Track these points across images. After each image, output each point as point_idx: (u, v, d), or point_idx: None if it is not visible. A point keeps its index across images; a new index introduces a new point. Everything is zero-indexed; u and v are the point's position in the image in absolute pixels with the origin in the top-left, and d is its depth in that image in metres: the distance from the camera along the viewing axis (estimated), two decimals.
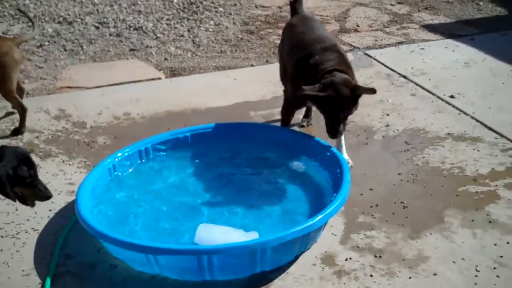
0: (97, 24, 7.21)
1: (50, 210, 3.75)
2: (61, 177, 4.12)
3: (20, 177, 3.05)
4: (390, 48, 6.62)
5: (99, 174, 3.70)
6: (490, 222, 3.59)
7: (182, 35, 7.00)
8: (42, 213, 3.71)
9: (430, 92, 5.40)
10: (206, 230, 3.24)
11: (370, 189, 3.94)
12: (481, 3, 7.87)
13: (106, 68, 6.13)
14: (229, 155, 4.18)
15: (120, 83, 5.69)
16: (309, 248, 3.34)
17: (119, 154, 3.83)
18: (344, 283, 3.10)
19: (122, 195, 3.77)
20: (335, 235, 3.49)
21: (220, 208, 3.68)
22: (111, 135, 4.70)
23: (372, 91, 3.77)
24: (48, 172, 4.18)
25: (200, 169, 4.06)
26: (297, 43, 4.18)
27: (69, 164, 4.29)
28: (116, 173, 3.86)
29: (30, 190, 3.16)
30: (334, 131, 3.80)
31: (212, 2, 8.02)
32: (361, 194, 3.88)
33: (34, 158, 4.26)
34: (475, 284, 3.08)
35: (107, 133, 4.73)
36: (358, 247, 3.39)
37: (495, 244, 3.40)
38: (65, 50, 6.56)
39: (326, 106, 3.77)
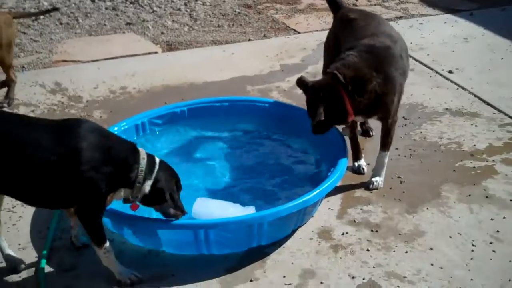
0: None
1: None
2: None
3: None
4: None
5: None
6: (487, 197, 3.59)
7: (179, 9, 6.92)
8: None
9: (429, 67, 5.37)
10: (203, 204, 3.23)
11: (368, 164, 3.93)
12: None
13: (102, 42, 6.07)
14: (226, 130, 4.16)
15: (116, 57, 5.64)
16: (305, 223, 3.34)
17: (116, 129, 3.79)
18: (341, 257, 3.11)
19: None
20: (332, 209, 3.49)
21: (218, 183, 3.67)
22: (107, 109, 4.67)
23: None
24: None
25: (196, 144, 4.05)
26: (347, 35, 3.73)
27: None
28: None
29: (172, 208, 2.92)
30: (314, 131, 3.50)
31: None
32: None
33: None
34: (471, 258, 3.09)
35: (103, 107, 4.70)
36: (354, 221, 3.39)
37: (492, 219, 3.40)
38: (61, 23, 6.49)
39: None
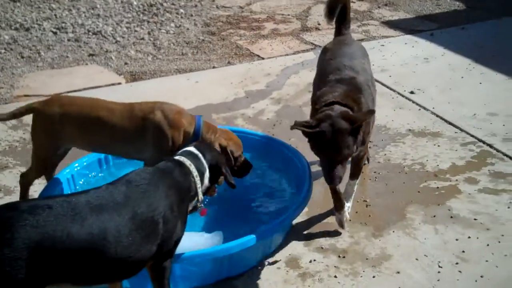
0: (55, 30, 7.08)
1: None
2: (19, 190, 4.00)
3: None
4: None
5: (56, 187, 3.60)
6: (451, 217, 3.63)
7: (142, 38, 6.92)
8: None
9: (391, 89, 5.45)
10: None
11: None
12: None
13: (64, 74, 6.01)
14: None
15: (79, 90, 5.59)
16: (272, 251, 3.33)
17: (76, 165, 3.74)
18: (309, 286, 3.09)
19: None
20: (299, 236, 3.49)
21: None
22: None
23: (371, 112, 3.26)
24: (5, 184, 4.07)
25: None
26: (321, 72, 3.69)
27: None
28: (75, 184, 3.77)
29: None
30: (331, 175, 3.09)
31: (173, 4, 7.95)
32: (324, 194, 3.87)
33: None
34: (438, 280, 3.10)
35: None
36: (322, 248, 3.39)
37: (457, 239, 3.43)
38: (22, 57, 6.42)
39: (321, 144, 3.09)
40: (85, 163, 3.87)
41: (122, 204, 2.43)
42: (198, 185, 2.78)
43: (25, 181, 3.64)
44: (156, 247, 2.52)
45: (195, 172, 2.78)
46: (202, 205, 2.88)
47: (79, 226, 2.27)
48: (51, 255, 2.19)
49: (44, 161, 3.54)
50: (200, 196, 2.81)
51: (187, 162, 2.79)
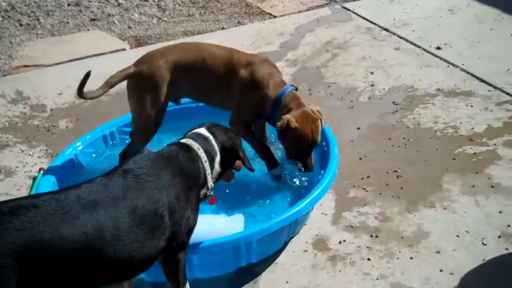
0: None
1: None
2: (20, 170, 3.73)
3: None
4: None
5: (59, 167, 3.30)
6: (492, 186, 3.30)
7: (146, 0, 6.52)
8: None
9: (415, 45, 5.05)
10: None
11: (360, 159, 3.62)
12: None
13: (65, 42, 5.66)
14: None
15: (82, 58, 5.25)
16: (298, 233, 3.03)
17: (78, 144, 3.44)
18: (340, 270, 2.79)
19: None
20: (326, 214, 3.18)
21: None
22: (73, 117, 4.30)
23: None
24: (6, 165, 3.78)
25: None
26: None
27: (29, 154, 3.89)
28: (79, 162, 3.47)
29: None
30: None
31: None
32: (350, 165, 3.56)
33: None
34: (483, 260, 2.79)
35: (69, 115, 4.33)
36: (351, 226, 3.08)
37: (500, 212, 3.11)
38: (21, 25, 6.07)
39: None
40: (89, 141, 3.55)
41: (119, 198, 2.09)
42: (208, 171, 2.44)
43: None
44: (165, 241, 2.21)
45: (203, 157, 2.43)
46: (212, 192, 2.53)
47: (71, 225, 1.94)
48: (41, 261, 1.87)
49: (155, 123, 3.29)
50: (210, 183, 2.46)
51: (195, 145, 2.45)
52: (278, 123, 3.09)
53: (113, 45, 5.52)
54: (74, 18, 6.17)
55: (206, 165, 2.44)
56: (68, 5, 6.46)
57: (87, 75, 3.11)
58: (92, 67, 4.93)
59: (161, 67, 3.21)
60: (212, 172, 2.47)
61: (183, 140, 2.49)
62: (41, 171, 3.57)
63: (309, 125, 3.08)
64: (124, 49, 5.44)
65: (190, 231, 2.36)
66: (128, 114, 3.81)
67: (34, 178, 3.56)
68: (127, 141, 3.65)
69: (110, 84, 3.26)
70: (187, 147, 2.44)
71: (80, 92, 3.21)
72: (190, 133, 2.57)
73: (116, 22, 6.01)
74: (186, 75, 3.25)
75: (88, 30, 5.92)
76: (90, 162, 3.56)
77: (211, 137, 2.52)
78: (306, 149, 3.14)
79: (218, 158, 2.51)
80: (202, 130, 2.56)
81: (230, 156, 2.58)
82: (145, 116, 3.27)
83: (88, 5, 6.42)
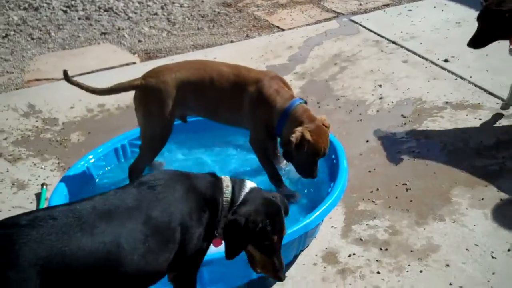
0: (64, 8, 6.78)
1: None
2: (33, 183, 3.77)
3: (261, 235, 2.29)
4: (376, 12, 6.27)
5: (71, 180, 3.35)
6: (501, 199, 3.31)
7: (155, 13, 6.59)
8: None
9: (423, 58, 5.09)
10: None
11: (369, 171, 3.65)
12: None
13: (76, 55, 5.73)
14: (215, 145, 3.85)
15: (92, 71, 5.32)
16: (308, 246, 3.05)
17: (90, 157, 3.48)
18: (350, 284, 2.81)
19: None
20: (335, 227, 3.20)
21: None
22: (85, 131, 4.35)
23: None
24: (18, 178, 3.83)
25: (184, 165, 3.73)
26: None
27: (42, 168, 3.94)
28: (90, 175, 3.52)
29: (260, 257, 2.38)
30: (470, 40, 3.90)
31: None
32: (360, 178, 3.58)
33: (3, 163, 3.95)
34: (493, 274, 2.80)
35: (81, 129, 4.38)
36: (361, 239, 3.10)
37: (509, 225, 3.12)
38: (32, 38, 6.15)
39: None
40: (100, 154, 3.60)
41: (134, 208, 2.12)
42: (224, 212, 2.31)
43: (137, 173, 3.36)
44: (175, 256, 2.22)
45: (227, 194, 2.33)
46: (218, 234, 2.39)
47: (89, 236, 1.97)
48: (61, 272, 1.90)
49: (161, 137, 3.33)
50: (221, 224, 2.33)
51: (227, 181, 2.36)
52: (293, 136, 3.09)
53: (123, 58, 5.58)
54: (84, 32, 6.25)
55: (225, 205, 2.33)
56: (79, 19, 6.54)
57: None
58: (102, 80, 5.05)
59: (168, 83, 3.25)
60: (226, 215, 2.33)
61: (220, 176, 2.42)
62: (45, 186, 3.62)
63: (322, 139, 3.12)
64: (134, 63, 5.51)
65: (200, 252, 2.34)
66: (139, 127, 3.86)
67: (39, 194, 3.61)
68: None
69: (114, 88, 3.35)
70: (217, 177, 2.40)
71: (67, 78, 3.36)
72: (239, 180, 2.43)
73: (126, 35, 6.08)
74: (194, 93, 3.28)
75: (99, 43, 5.99)
76: (102, 175, 3.60)
77: (245, 194, 2.35)
78: (315, 161, 3.17)
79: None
80: (249, 183, 2.42)
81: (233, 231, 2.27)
82: (151, 129, 3.32)
83: (99, 19, 6.50)
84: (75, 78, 5.11)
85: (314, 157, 3.14)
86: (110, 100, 4.70)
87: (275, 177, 3.37)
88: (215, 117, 3.44)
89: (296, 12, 6.48)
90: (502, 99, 4.30)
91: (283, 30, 6.05)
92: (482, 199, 3.32)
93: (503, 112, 4.12)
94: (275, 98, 3.23)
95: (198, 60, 3.54)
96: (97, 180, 3.56)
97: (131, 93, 4.79)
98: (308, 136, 3.08)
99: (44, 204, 3.47)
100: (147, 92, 3.27)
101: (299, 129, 3.11)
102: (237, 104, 3.27)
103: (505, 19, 3.66)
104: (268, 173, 3.38)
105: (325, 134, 3.14)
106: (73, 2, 6.89)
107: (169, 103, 3.24)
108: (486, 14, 3.76)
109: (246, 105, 3.25)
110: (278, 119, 3.22)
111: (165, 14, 6.57)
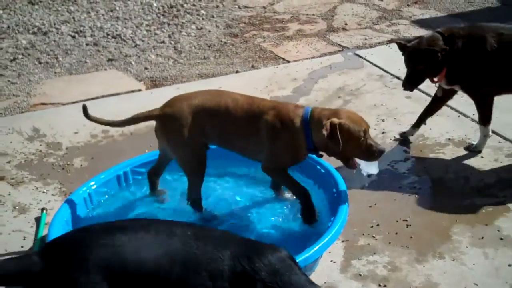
0: (73, 34, 6.86)
1: (22, 247, 3.43)
2: (34, 207, 3.78)
3: None
4: (381, 47, 6.33)
5: (73, 206, 3.36)
6: (501, 239, 3.31)
7: (162, 42, 6.67)
8: (13, 246, 3.39)
9: (426, 94, 5.11)
10: None
11: (370, 206, 3.65)
12: None
13: (82, 81, 5.79)
14: (216, 174, 3.86)
15: (98, 97, 5.36)
16: None
17: (92, 183, 3.50)
18: None
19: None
20: (335, 262, 3.20)
21: None
22: (88, 156, 4.37)
23: (442, 49, 3.89)
24: (20, 201, 3.85)
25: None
26: None
27: (44, 192, 3.95)
28: (92, 203, 3.53)
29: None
30: (404, 83, 4.13)
31: (194, 5, 7.69)
32: (360, 213, 3.58)
33: (5, 186, 3.98)
34: None
35: (84, 154, 4.41)
36: (360, 275, 3.09)
37: (509, 265, 3.11)
38: (40, 63, 6.21)
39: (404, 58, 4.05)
40: (103, 180, 3.61)
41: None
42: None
43: (196, 203, 3.46)
44: None
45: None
46: None
47: (155, 246, 2.06)
48: (125, 280, 1.97)
49: (199, 162, 3.37)
50: None
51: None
52: (323, 131, 3.07)
53: (129, 85, 5.64)
54: (92, 57, 6.32)
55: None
56: (87, 44, 6.62)
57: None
58: (107, 106, 5.12)
59: (184, 110, 3.29)
60: None
61: None
62: (45, 211, 3.63)
63: (352, 115, 3.19)
64: (140, 90, 5.56)
65: None
66: (142, 155, 3.90)
67: (38, 218, 3.61)
68: (141, 182, 3.73)
69: (132, 119, 3.42)
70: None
71: (86, 114, 3.44)
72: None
73: (133, 62, 6.15)
74: (210, 120, 3.31)
75: (105, 70, 6.06)
76: (103, 202, 3.61)
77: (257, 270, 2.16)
78: (365, 137, 3.16)
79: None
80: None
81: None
82: (182, 157, 3.37)
83: (106, 45, 6.58)
84: (80, 103, 5.22)
85: (359, 135, 3.13)
86: (115, 127, 4.73)
87: (310, 207, 3.30)
88: (230, 146, 3.45)
89: (302, 44, 6.55)
90: (504, 138, 4.33)
91: (288, 62, 6.11)
92: (482, 237, 3.32)
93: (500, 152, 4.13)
94: (292, 116, 3.22)
95: (215, 89, 3.60)
96: (98, 206, 3.57)
97: None
98: (336, 120, 3.09)
99: (43, 229, 3.48)
100: (166, 122, 3.33)
101: (327, 120, 3.10)
102: (252, 132, 3.27)
103: (437, 58, 3.81)
104: (300, 200, 3.32)
105: (352, 112, 3.24)
106: (81, 28, 6.98)
107: (188, 129, 3.28)
108: (416, 54, 3.88)
109: (263, 133, 3.24)
110: (303, 133, 3.20)
111: (172, 42, 6.65)
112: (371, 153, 3.21)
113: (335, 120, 3.09)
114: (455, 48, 3.84)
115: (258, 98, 3.43)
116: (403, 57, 4.03)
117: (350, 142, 3.13)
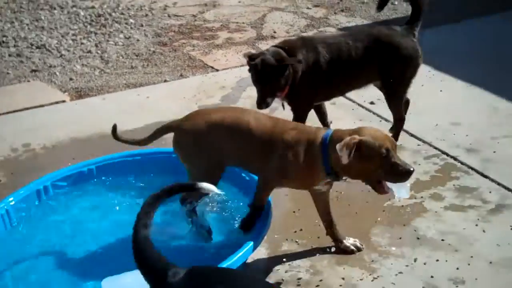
0: None
1: None
2: None
3: None
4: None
5: None
6: (418, 238, 3.44)
7: (89, 51, 6.56)
8: None
9: (351, 100, 5.25)
10: (111, 284, 2.88)
11: (293, 212, 3.72)
12: (396, 3, 7.82)
13: (4, 93, 5.62)
14: (142, 188, 3.81)
15: (19, 110, 5.21)
16: None
17: (11, 199, 3.40)
18: None
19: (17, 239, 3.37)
20: (257, 267, 3.23)
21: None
22: (7, 172, 4.24)
23: (298, 61, 3.88)
24: None
25: (109, 207, 3.68)
26: None
27: None
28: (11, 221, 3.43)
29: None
30: (259, 101, 3.88)
31: (122, 13, 7.60)
32: (284, 218, 3.64)
33: None
34: None
35: (3, 169, 4.27)
36: (282, 280, 3.14)
37: (425, 263, 3.23)
38: None
39: (254, 76, 3.87)
40: (22, 195, 3.52)
41: None
42: None
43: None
44: None
45: None
46: None
47: None
48: None
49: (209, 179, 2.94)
50: None
51: None
52: (340, 151, 2.83)
53: (53, 97, 5.51)
54: (14, 69, 6.15)
55: None
56: (10, 55, 6.43)
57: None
58: (31, 119, 4.99)
59: (201, 124, 3.18)
60: None
61: None
62: None
63: (377, 131, 2.99)
64: (64, 101, 5.44)
65: None
66: (63, 168, 3.82)
67: None
68: (62, 196, 3.65)
69: (154, 134, 3.42)
70: None
71: (115, 135, 3.41)
72: None
73: (58, 73, 6.02)
74: (229, 137, 3.17)
75: (29, 81, 5.90)
76: (21, 218, 3.51)
77: None
78: (387, 154, 2.90)
79: None
80: None
81: None
82: (194, 173, 3.21)
83: (30, 56, 6.41)
84: (4, 117, 5.08)
85: (381, 152, 2.87)
86: (36, 140, 4.62)
87: (260, 207, 3.20)
88: (245, 166, 3.32)
89: (231, 52, 6.58)
90: (423, 141, 4.50)
91: (217, 70, 6.13)
92: (400, 238, 3.44)
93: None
94: (312, 138, 3.05)
95: (238, 107, 3.57)
96: (16, 223, 3.47)
97: (59, 132, 4.74)
98: (357, 137, 2.88)
99: None
100: (181, 135, 3.25)
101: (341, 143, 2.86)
102: (272, 151, 3.08)
103: (283, 74, 3.80)
104: (256, 203, 3.20)
105: (375, 129, 3.02)
106: (4, 39, 6.78)
107: (202, 145, 3.17)
108: (267, 72, 3.77)
109: (279, 151, 3.05)
110: (321, 154, 3.00)
111: (99, 52, 6.55)
112: (398, 173, 2.90)
113: (356, 136, 2.88)
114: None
115: (282, 119, 3.27)
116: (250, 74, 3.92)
117: (372, 161, 2.89)
